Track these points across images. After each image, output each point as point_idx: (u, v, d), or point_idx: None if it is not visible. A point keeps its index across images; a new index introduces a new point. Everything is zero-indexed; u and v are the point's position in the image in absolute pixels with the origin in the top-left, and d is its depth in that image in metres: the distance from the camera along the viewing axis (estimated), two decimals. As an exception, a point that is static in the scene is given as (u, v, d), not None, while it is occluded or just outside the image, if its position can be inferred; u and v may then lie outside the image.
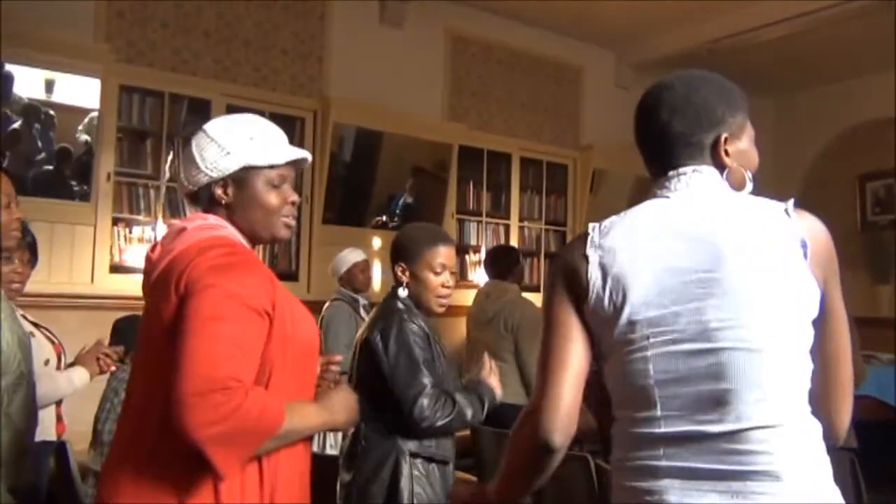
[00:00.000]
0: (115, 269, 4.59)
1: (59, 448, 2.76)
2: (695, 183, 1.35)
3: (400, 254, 2.37)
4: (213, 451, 1.29)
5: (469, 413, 2.21)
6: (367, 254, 4.73)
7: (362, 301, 4.35)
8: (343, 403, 1.61)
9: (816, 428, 1.26)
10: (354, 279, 4.31)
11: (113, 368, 2.90)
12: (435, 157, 5.83)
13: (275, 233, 1.62)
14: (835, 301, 1.30)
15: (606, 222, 1.38)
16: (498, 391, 2.33)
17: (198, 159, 1.56)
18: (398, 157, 5.74)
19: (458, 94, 6.09)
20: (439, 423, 2.15)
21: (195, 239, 1.49)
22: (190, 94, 4.90)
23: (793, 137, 7.56)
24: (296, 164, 1.65)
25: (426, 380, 2.17)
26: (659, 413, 1.26)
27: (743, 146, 1.39)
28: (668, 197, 1.36)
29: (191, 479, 1.36)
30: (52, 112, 4.61)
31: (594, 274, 1.32)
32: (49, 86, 4.61)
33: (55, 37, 4.29)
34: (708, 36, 6.04)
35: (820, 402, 1.28)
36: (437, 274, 2.32)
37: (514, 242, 6.24)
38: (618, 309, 1.29)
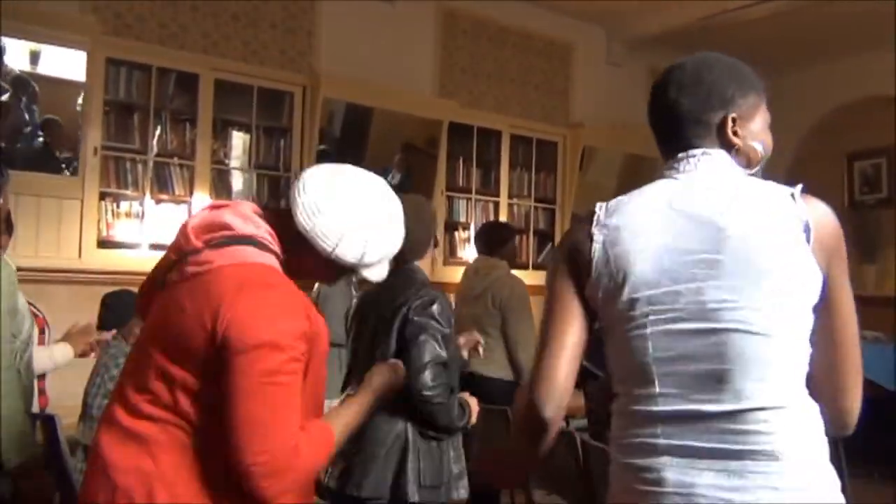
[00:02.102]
0: (103, 243, 4.55)
1: (48, 421, 2.77)
2: (703, 164, 1.34)
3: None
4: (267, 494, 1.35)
5: None
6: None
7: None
8: (378, 381, 1.77)
9: (815, 410, 1.26)
10: None
11: (93, 355, 2.88)
12: (425, 134, 5.82)
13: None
14: (840, 288, 1.28)
15: (613, 202, 1.37)
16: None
17: (332, 223, 1.45)
18: (388, 134, 5.72)
19: (448, 70, 6.05)
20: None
21: (238, 260, 1.41)
22: (178, 68, 4.86)
23: (781, 115, 7.41)
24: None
25: None
26: (657, 391, 1.27)
27: (755, 128, 1.39)
28: (675, 178, 1.35)
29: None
30: (35, 84, 4.56)
31: (598, 253, 1.33)
32: (34, 57, 4.56)
33: (41, 7, 4.24)
34: (699, 12, 6.02)
35: (824, 388, 1.27)
36: None
37: (503, 220, 6.24)
38: (619, 287, 1.30)
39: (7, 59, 4.34)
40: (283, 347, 1.34)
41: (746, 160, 1.38)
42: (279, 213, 1.51)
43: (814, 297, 1.25)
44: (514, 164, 6.41)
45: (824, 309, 1.26)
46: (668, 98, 1.38)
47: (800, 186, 1.27)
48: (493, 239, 4.29)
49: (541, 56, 6.56)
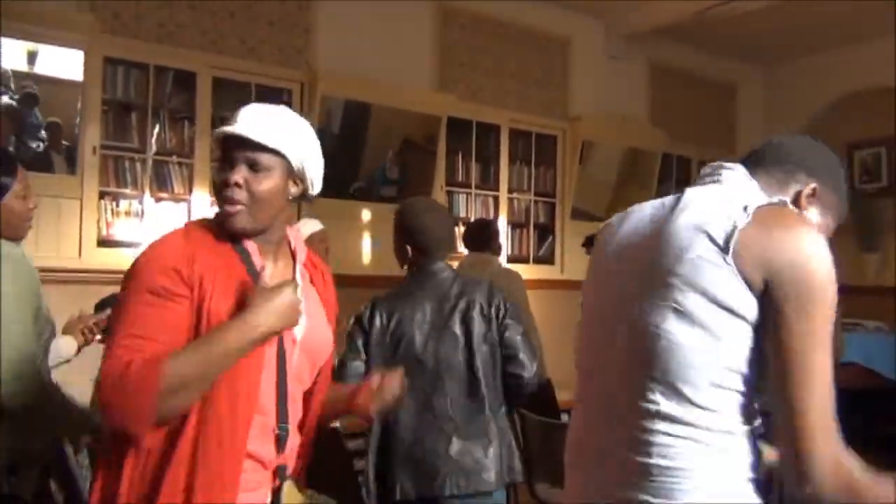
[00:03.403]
0: (103, 243, 4.56)
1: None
2: (724, 178, 1.33)
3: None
4: (111, 420, 1.39)
5: None
6: (356, 227, 4.67)
7: None
8: (273, 305, 1.47)
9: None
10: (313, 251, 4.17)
11: (97, 338, 2.86)
12: (424, 130, 5.80)
13: (220, 218, 1.56)
14: (776, 312, 1.13)
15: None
16: None
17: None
18: (387, 130, 5.71)
19: (447, 65, 6.04)
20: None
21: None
22: (175, 66, 4.85)
23: (781, 106, 7.56)
24: (236, 143, 1.59)
25: None
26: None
27: (818, 214, 1.35)
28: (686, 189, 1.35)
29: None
30: (33, 84, 4.55)
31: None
32: (31, 57, 4.54)
33: (38, 7, 4.23)
34: (698, 4, 6.00)
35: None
36: None
37: (503, 214, 6.25)
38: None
39: (5, 61, 4.32)
40: (132, 275, 1.48)
41: None
42: None
43: (733, 309, 1.16)
44: (513, 158, 6.40)
45: (763, 333, 1.15)
46: (773, 142, 1.40)
47: (758, 205, 1.19)
48: (482, 236, 4.39)
49: (539, 50, 6.54)
